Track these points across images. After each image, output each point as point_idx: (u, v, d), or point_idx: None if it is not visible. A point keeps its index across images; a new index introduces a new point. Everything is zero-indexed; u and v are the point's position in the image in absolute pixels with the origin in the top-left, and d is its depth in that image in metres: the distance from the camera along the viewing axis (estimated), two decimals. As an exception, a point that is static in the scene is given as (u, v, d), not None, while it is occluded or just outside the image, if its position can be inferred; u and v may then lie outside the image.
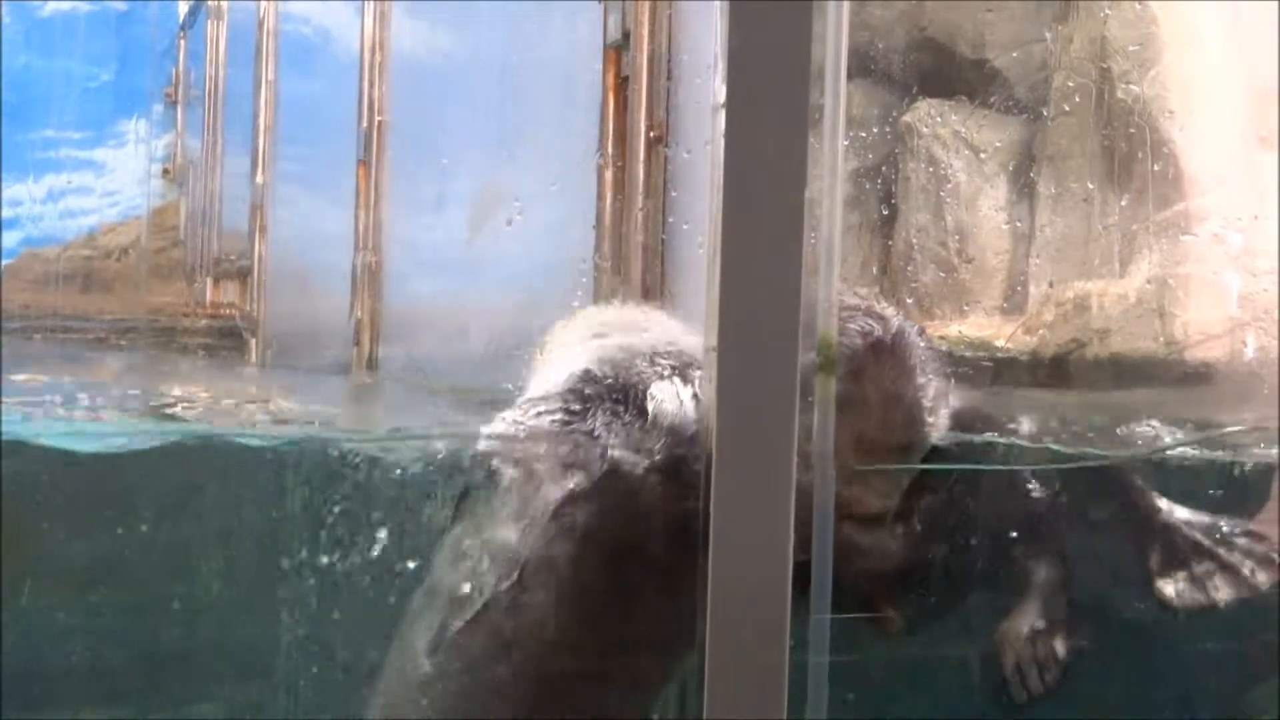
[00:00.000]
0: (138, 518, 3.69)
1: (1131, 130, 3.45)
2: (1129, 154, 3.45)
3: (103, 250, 5.07)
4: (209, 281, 4.95)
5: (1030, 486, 2.89)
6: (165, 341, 4.77)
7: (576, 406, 2.52)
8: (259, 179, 4.61)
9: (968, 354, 3.31)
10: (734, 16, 1.95)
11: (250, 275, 4.65)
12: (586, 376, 2.55)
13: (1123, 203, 3.48)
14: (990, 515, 2.86)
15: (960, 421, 2.71)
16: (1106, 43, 3.57)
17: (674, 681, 2.67)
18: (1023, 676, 2.94)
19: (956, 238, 3.65)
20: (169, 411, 3.66)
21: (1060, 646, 2.93)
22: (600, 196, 2.96)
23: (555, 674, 2.48)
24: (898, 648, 2.83)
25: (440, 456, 2.77)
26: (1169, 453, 3.10)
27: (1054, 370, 3.43)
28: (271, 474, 3.55)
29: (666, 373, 2.52)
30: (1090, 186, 3.54)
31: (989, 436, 2.82)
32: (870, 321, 2.54)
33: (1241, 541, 3.00)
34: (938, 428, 2.60)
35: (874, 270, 3.66)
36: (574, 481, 2.46)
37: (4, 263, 4.89)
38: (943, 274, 3.62)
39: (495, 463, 2.55)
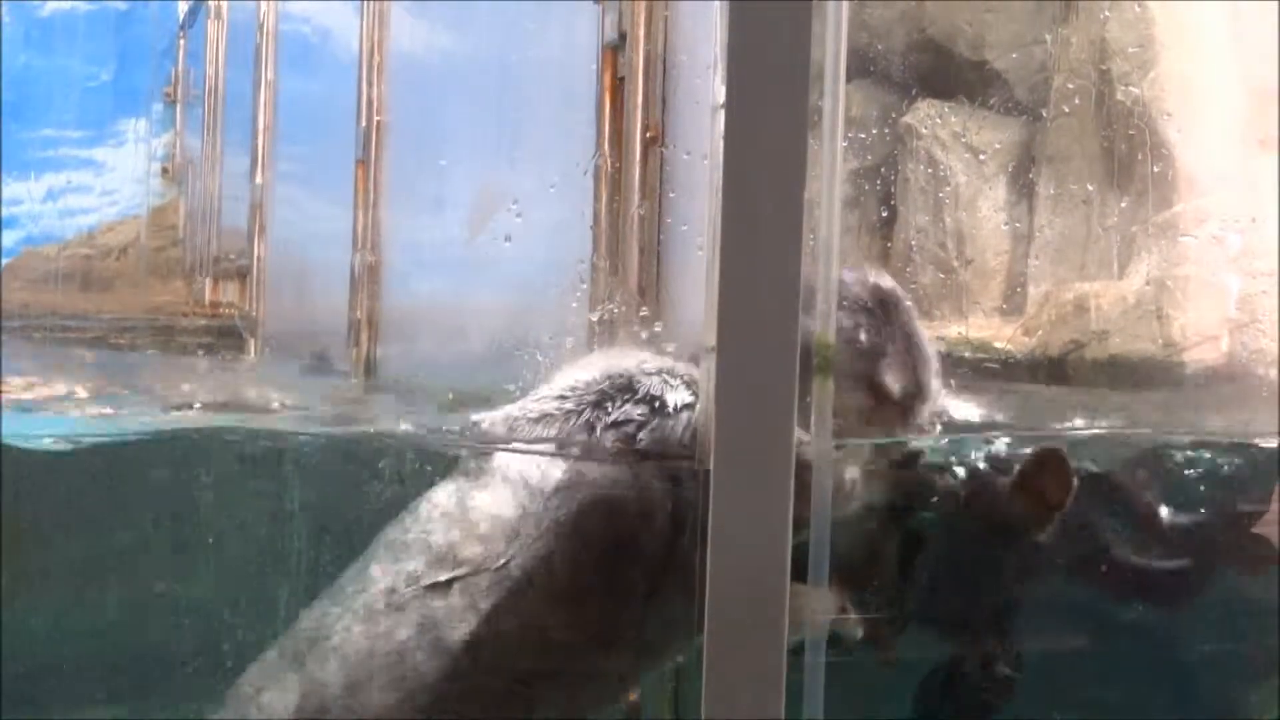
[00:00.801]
0: (136, 515, 3.69)
1: (1131, 132, 3.45)
2: (1128, 155, 3.45)
3: (102, 249, 5.06)
4: (208, 281, 4.95)
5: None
6: (164, 340, 4.76)
7: (579, 403, 2.53)
8: (258, 178, 4.60)
9: (967, 355, 3.31)
10: (733, 17, 1.96)
11: (249, 275, 4.65)
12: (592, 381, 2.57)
13: (1122, 204, 3.49)
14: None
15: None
16: (1106, 44, 3.57)
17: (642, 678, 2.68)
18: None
19: (956, 239, 3.65)
20: (169, 409, 3.66)
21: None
22: (598, 197, 2.96)
23: (523, 671, 2.48)
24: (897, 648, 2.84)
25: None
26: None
27: (1053, 371, 3.44)
28: (270, 471, 3.56)
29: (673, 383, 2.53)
30: (1089, 188, 3.54)
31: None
32: (864, 275, 2.58)
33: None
34: (934, 395, 2.63)
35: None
36: (569, 477, 2.47)
37: (4, 261, 4.89)
38: (942, 275, 3.63)
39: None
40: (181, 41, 5.30)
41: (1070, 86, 3.61)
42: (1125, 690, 3.06)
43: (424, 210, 3.84)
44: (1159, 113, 3.43)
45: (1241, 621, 3.07)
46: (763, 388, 1.96)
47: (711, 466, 1.98)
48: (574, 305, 2.93)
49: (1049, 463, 2.69)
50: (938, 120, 3.69)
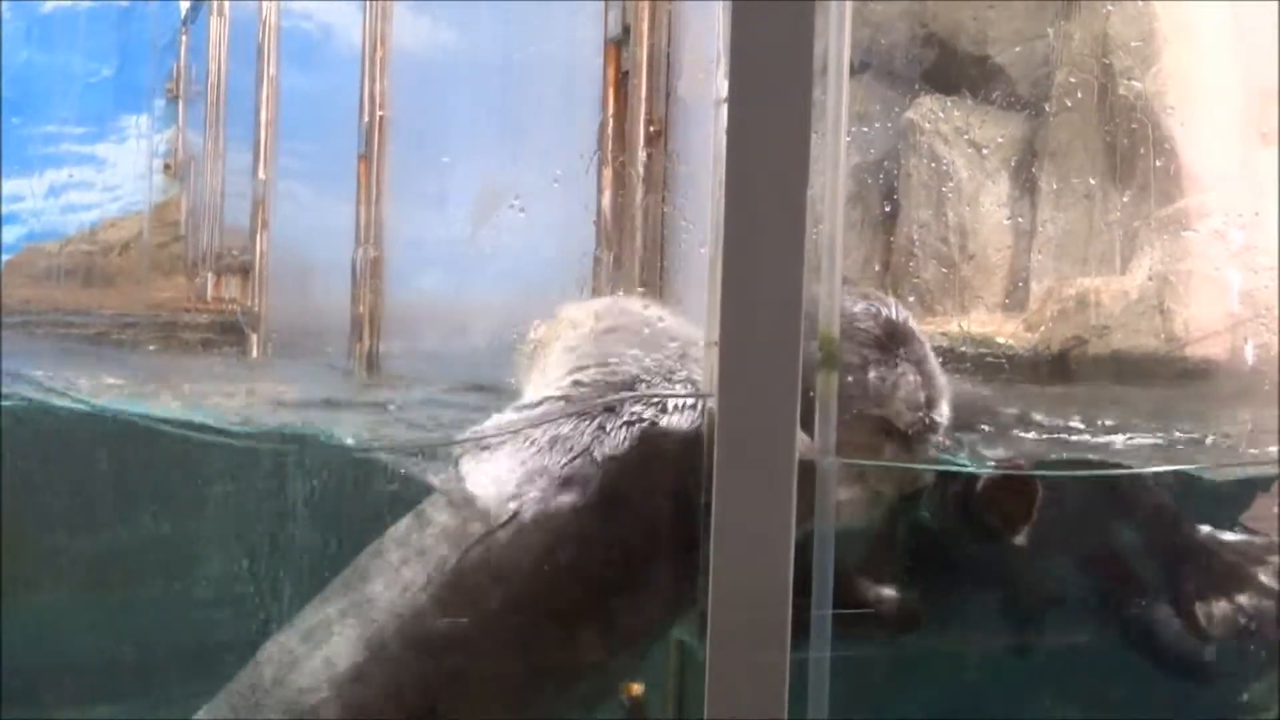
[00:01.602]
0: (138, 512, 3.70)
1: (1133, 126, 3.45)
2: (1130, 150, 3.45)
3: (104, 245, 5.06)
4: (210, 276, 4.95)
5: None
6: (167, 336, 4.77)
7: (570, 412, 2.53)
8: (260, 174, 4.61)
9: (969, 350, 3.31)
10: (737, 12, 1.96)
11: (252, 270, 4.65)
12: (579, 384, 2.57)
13: (1124, 199, 3.48)
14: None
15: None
16: (1108, 39, 3.57)
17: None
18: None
19: (958, 234, 3.65)
20: (171, 406, 3.67)
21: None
22: (601, 192, 2.97)
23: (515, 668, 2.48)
24: (899, 644, 2.84)
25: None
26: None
27: (1055, 367, 3.44)
28: (271, 469, 3.56)
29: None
30: (1092, 183, 3.53)
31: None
32: (875, 304, 2.56)
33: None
34: (944, 416, 2.62)
35: (875, 267, 3.66)
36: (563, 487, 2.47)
37: (6, 257, 4.89)
38: (944, 270, 3.62)
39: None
40: (183, 37, 5.30)
41: (1072, 81, 3.61)
42: (1126, 685, 3.06)
43: (427, 205, 3.84)
44: (1161, 107, 3.43)
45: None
46: (765, 382, 1.96)
47: (714, 463, 1.98)
48: (577, 300, 2.94)
49: (1010, 485, 2.68)
50: (940, 115, 3.69)
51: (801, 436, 2.03)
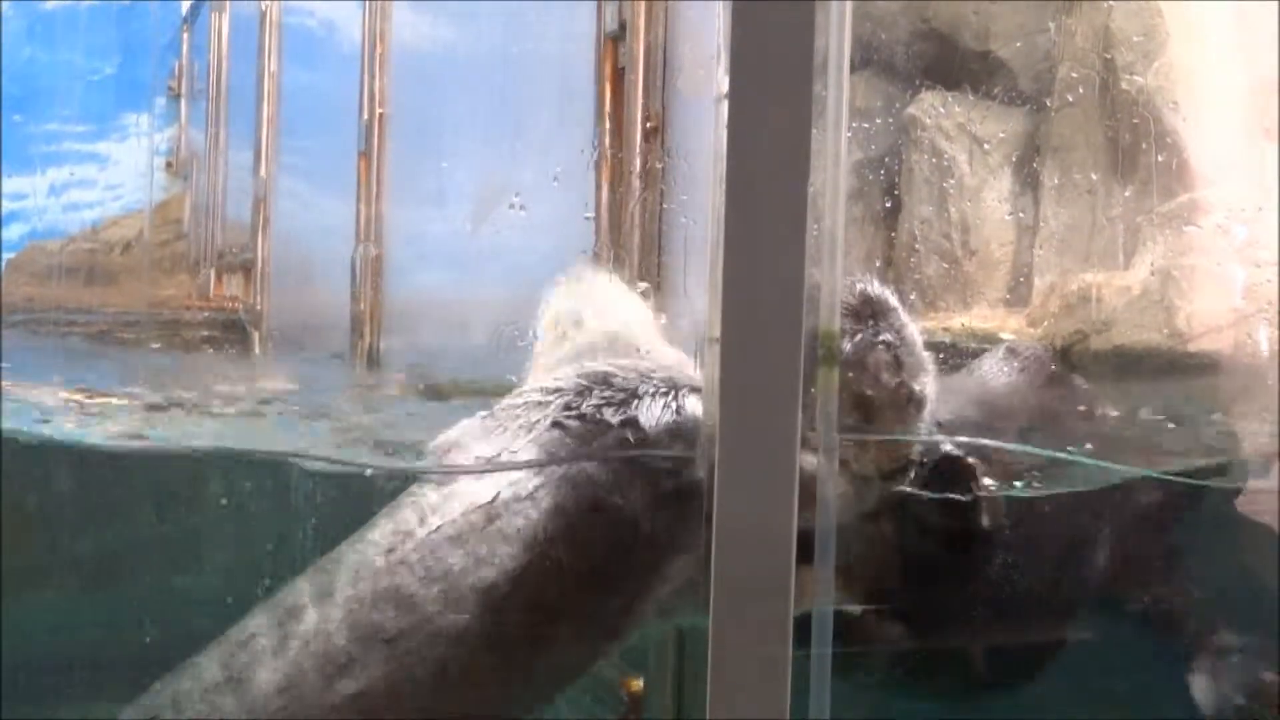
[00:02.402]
0: (143, 511, 3.70)
1: (1135, 121, 3.44)
2: (1133, 145, 3.44)
3: (106, 243, 5.06)
4: (212, 274, 4.95)
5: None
6: (169, 334, 4.77)
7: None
8: (262, 172, 4.60)
9: (972, 346, 3.30)
10: (737, 8, 1.95)
11: (254, 268, 4.65)
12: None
13: (1127, 194, 3.48)
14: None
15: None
16: (1110, 34, 3.56)
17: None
18: None
19: (960, 230, 3.65)
20: (172, 404, 3.66)
21: None
22: (599, 188, 2.96)
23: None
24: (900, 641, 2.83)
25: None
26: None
27: (1057, 362, 3.43)
28: (274, 469, 3.56)
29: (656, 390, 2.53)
30: (1094, 178, 3.53)
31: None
32: (850, 278, 2.56)
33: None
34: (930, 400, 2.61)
35: (877, 262, 3.66)
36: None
37: (8, 256, 4.89)
38: (946, 266, 3.62)
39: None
40: (185, 35, 5.30)
41: (1075, 76, 3.60)
42: (1127, 681, 3.06)
43: (427, 202, 3.84)
44: (1164, 102, 3.42)
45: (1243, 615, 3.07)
46: (767, 379, 1.96)
47: (716, 460, 1.98)
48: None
49: (948, 469, 2.68)
50: (942, 110, 3.68)
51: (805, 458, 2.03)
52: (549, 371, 2.67)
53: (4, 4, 4.77)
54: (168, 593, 3.51)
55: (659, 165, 2.89)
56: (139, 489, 3.58)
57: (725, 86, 1.98)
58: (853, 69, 2.23)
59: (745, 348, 1.97)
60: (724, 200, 1.97)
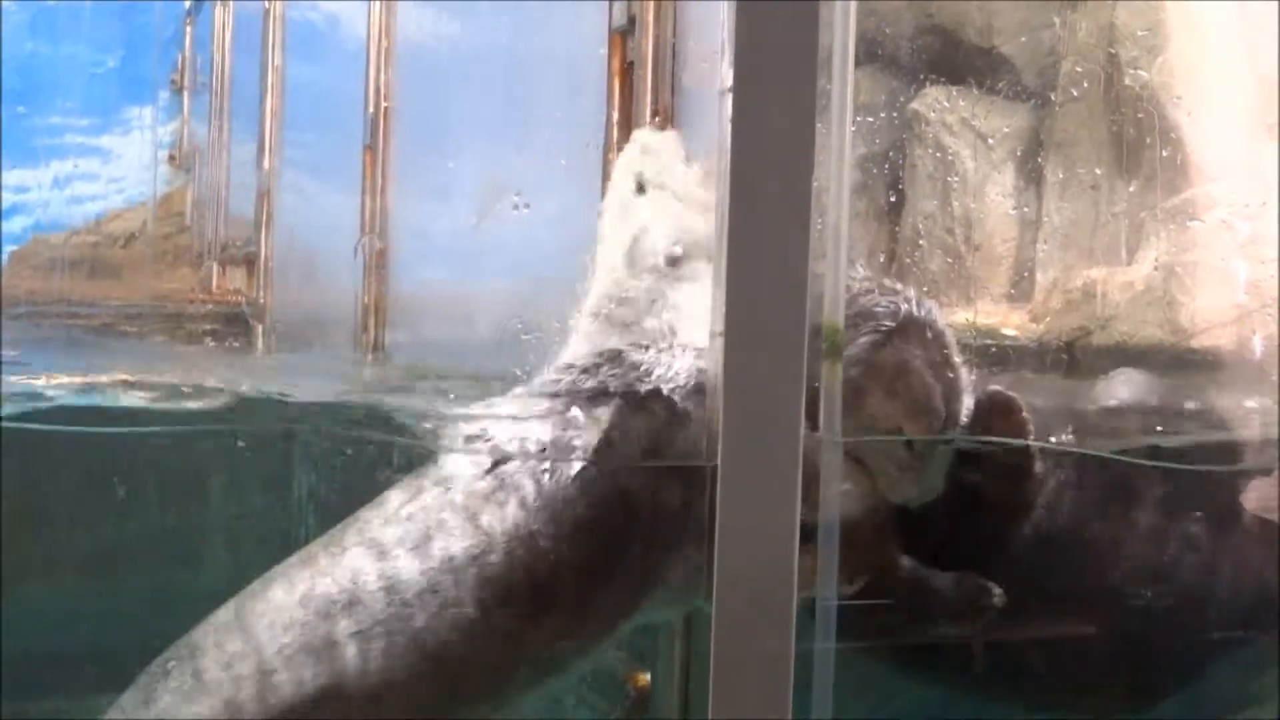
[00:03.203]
0: (144, 501, 3.70)
1: (1139, 117, 3.44)
2: (1137, 141, 3.44)
3: (109, 237, 5.07)
4: (215, 268, 4.96)
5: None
6: (172, 328, 4.78)
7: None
8: (265, 165, 4.61)
9: (975, 341, 3.30)
10: (742, 3, 1.95)
11: (256, 261, 4.65)
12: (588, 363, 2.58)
13: (1130, 189, 3.48)
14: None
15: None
16: (1115, 29, 3.56)
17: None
18: None
19: (963, 225, 3.65)
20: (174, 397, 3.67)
21: None
22: (606, 182, 2.96)
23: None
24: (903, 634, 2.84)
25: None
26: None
27: (1061, 358, 3.43)
28: (276, 459, 3.57)
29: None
30: (1098, 173, 3.53)
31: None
32: (894, 299, 2.54)
33: None
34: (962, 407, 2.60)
35: (881, 257, 3.66)
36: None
37: (12, 248, 4.90)
38: (950, 261, 3.62)
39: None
40: (188, 28, 5.30)
41: (1079, 71, 3.60)
42: (1129, 677, 3.06)
43: (432, 197, 3.84)
44: (1168, 97, 3.42)
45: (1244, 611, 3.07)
46: (770, 372, 1.96)
47: (719, 455, 1.98)
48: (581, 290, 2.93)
49: (996, 405, 2.67)
50: (945, 106, 3.68)
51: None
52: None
53: (8, -3, 4.78)
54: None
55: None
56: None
57: (730, 80, 1.98)
58: (857, 64, 2.23)
59: (749, 342, 1.98)
60: (728, 194, 1.98)
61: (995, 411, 2.66)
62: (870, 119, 3.60)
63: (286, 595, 2.47)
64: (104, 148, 5.12)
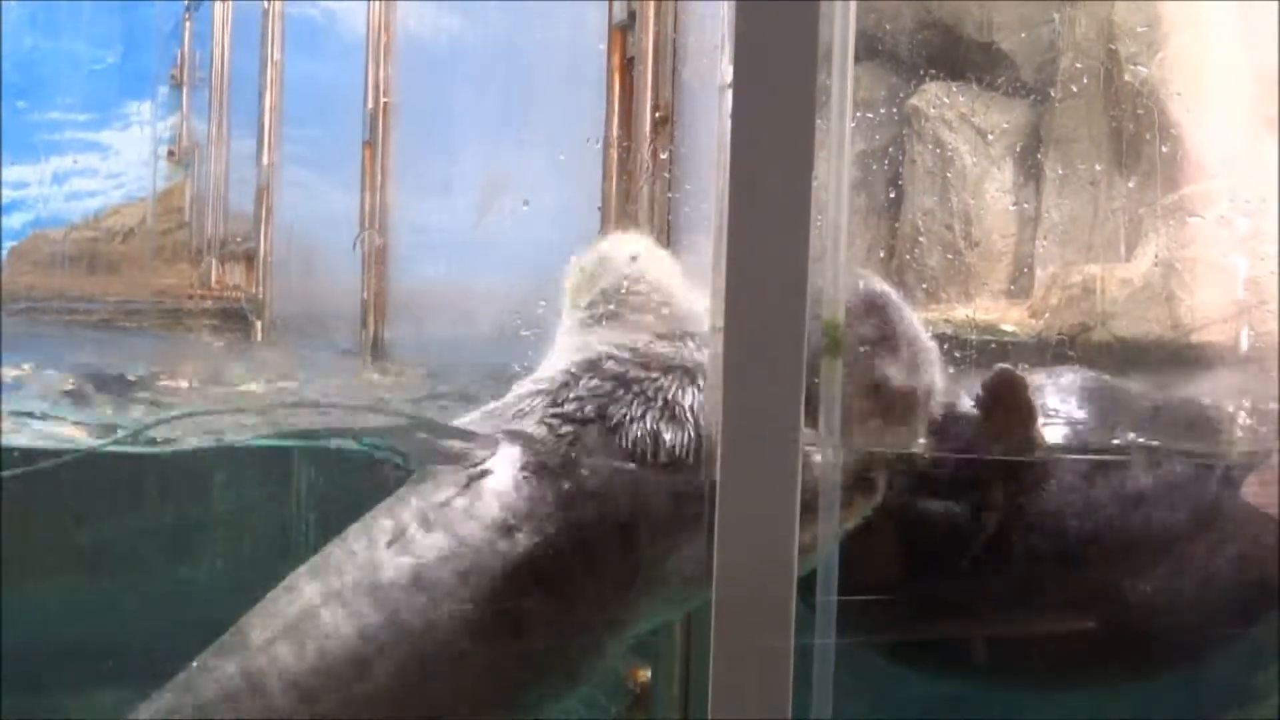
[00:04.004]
0: (143, 502, 3.70)
1: (1139, 112, 3.44)
2: (1136, 136, 3.44)
3: (108, 232, 5.08)
4: (214, 263, 4.96)
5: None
6: (171, 323, 4.77)
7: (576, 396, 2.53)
8: (265, 160, 4.61)
9: (974, 337, 3.30)
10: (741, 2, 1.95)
11: (256, 257, 4.65)
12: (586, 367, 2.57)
13: (1129, 185, 3.48)
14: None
15: None
16: (1114, 25, 3.56)
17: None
18: None
19: (963, 221, 3.65)
20: (175, 395, 3.67)
21: None
22: (606, 178, 2.96)
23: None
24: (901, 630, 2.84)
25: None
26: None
27: (1060, 353, 3.43)
28: (276, 460, 3.56)
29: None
30: (1097, 169, 3.53)
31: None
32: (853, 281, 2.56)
33: None
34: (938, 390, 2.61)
35: (880, 253, 3.66)
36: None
37: (11, 244, 4.90)
38: (949, 257, 3.62)
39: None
40: (187, 24, 5.30)
41: (1078, 67, 3.60)
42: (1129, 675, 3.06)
43: (431, 192, 3.84)
44: (1167, 93, 3.42)
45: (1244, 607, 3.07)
46: (769, 369, 1.96)
47: (718, 454, 1.98)
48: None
49: (1003, 383, 2.68)
50: (945, 101, 3.68)
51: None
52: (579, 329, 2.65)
53: (7, -8, 4.78)
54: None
55: (667, 156, 2.89)
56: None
57: (729, 76, 1.98)
58: (856, 60, 2.23)
59: (748, 337, 1.97)
60: (728, 190, 1.97)
61: (1001, 389, 2.68)
62: (870, 115, 3.60)
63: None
64: (103, 143, 5.12)
